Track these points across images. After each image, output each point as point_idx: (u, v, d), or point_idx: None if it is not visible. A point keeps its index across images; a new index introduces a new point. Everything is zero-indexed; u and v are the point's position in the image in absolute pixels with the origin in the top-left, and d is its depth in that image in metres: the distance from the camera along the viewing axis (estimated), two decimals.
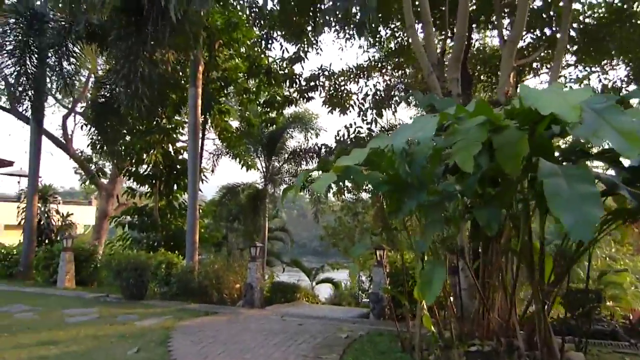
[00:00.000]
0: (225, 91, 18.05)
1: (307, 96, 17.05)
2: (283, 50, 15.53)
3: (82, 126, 14.90)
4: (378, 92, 14.65)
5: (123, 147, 17.02)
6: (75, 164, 27.07)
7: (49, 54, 13.52)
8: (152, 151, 15.85)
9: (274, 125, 19.05)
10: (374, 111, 13.86)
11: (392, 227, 19.47)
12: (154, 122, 16.90)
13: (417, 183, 5.54)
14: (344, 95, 16.76)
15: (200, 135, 17.96)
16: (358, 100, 14.78)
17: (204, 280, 11.46)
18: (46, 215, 20.24)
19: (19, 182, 29.86)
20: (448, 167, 5.70)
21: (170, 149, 17.82)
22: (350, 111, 16.70)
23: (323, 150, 12.75)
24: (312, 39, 15.61)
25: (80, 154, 23.74)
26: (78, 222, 26.42)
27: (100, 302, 11.23)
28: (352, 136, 13.50)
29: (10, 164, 28.03)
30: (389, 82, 14.73)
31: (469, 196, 5.85)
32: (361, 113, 13.88)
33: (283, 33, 15.37)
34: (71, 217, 21.07)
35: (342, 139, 13.42)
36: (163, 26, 10.79)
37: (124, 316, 9.54)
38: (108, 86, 13.92)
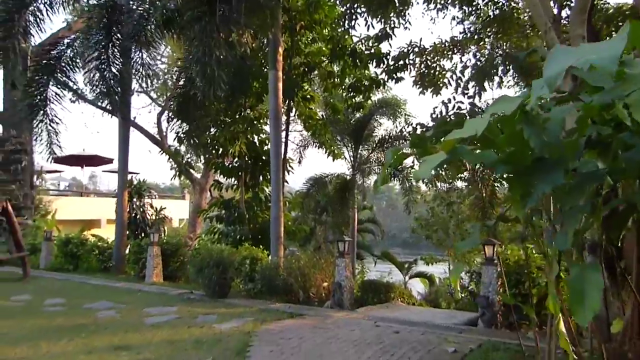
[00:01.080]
0: (309, 76, 16.98)
1: (395, 76, 15.56)
2: (368, 26, 14.15)
3: (167, 120, 14.43)
4: (479, 63, 12.83)
5: (208, 140, 16.51)
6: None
7: (131, 46, 13.13)
8: (236, 142, 15.11)
9: (361, 110, 17.71)
10: (475, 86, 12.09)
11: (496, 218, 17.48)
12: (238, 113, 16.22)
13: (554, 158, 3.99)
14: (437, 73, 15.10)
15: (284, 123, 17.14)
16: (455, 75, 13.05)
17: (288, 278, 10.43)
18: (141, 209, 20.41)
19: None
20: (590, 138, 4.11)
21: (255, 140, 17.08)
22: (443, 91, 15.05)
23: (419, 129, 11.28)
24: (400, 11, 14.13)
25: (173, 150, 23.83)
26: (171, 217, 26.86)
27: (183, 300, 10.58)
28: (451, 113, 11.84)
29: (110, 161, 29.11)
30: (490, 53, 12.85)
31: (624, 176, 4.22)
32: (461, 86, 12.14)
33: (368, 7, 14.02)
34: (164, 211, 21.05)
35: (439, 116, 11.81)
36: (237, 3, 9.84)
37: (203, 317, 8.73)
38: (185, 75, 13.28)
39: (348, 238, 10.37)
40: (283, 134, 16.48)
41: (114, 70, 13.34)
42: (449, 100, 12.08)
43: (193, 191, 28.93)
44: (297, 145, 23.68)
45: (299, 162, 22.68)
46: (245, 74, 14.46)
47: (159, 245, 13.66)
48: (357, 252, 23.83)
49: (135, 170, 31.98)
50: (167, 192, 46.77)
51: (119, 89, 13.51)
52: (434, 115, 12.16)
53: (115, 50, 13.26)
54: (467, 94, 12.17)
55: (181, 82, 13.80)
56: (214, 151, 16.86)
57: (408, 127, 20.49)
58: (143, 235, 19.05)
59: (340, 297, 9.80)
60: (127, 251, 15.63)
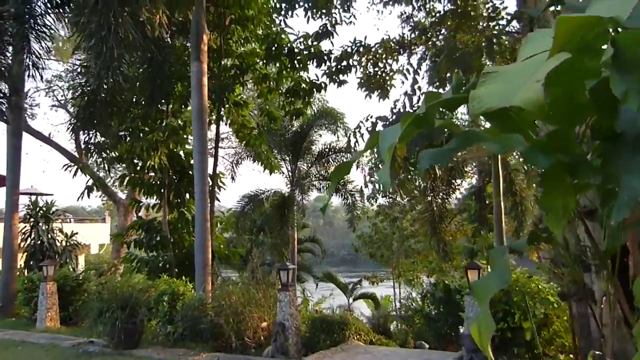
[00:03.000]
0: (242, 80, 14.68)
1: (338, 79, 13.62)
2: (308, 19, 12.11)
3: (67, 128, 11.62)
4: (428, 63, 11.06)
5: (123, 152, 13.78)
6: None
7: (19, 31, 10.30)
8: (155, 153, 12.48)
9: (300, 118, 15.60)
10: (436, 81, 10.24)
11: (442, 235, 15.74)
12: (159, 120, 13.64)
13: None
14: (384, 74, 13.29)
15: (214, 132, 14.72)
16: (410, 71, 11.20)
17: (217, 319, 7.99)
18: (48, 235, 17.21)
19: (29, 200, 27.08)
20: None
21: (181, 153, 14.50)
22: (391, 94, 13.24)
23: (379, 125, 9.29)
24: (343, 3, 12.28)
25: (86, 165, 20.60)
26: (89, 242, 23.44)
27: (76, 356, 7.85)
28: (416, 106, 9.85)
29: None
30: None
31: None
32: (419, 81, 10.25)
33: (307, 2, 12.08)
34: (77, 236, 17.89)
35: (401, 110, 9.79)
36: None
37: None
38: (89, 72, 10.61)
39: (291, 265, 8.08)
40: (212, 144, 14.09)
41: None
42: (413, 90, 10.13)
43: (118, 212, 25.65)
44: (230, 158, 21.30)
45: (232, 178, 20.26)
46: (164, 74, 11.98)
47: (55, 280, 10.76)
48: (297, 274, 21.57)
49: (50, 191, 28.20)
50: (95, 215, 42.51)
51: (4, 86, 10.63)
52: (394, 109, 10.17)
53: None
54: (434, 83, 10.27)
55: (85, 81, 11.06)
56: (130, 165, 14.13)
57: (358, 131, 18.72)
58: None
59: (283, 342, 7.47)
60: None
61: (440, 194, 15.17)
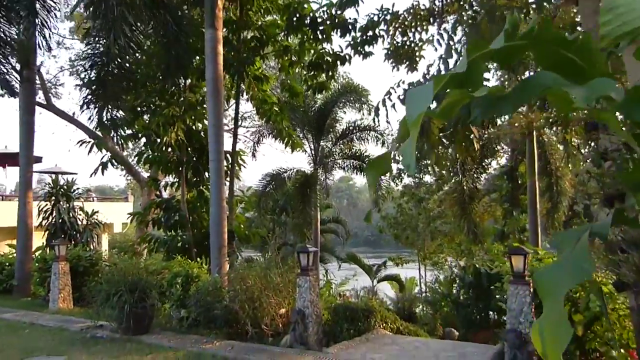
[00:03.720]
0: (262, 52, 13.84)
1: (363, 51, 12.69)
2: None
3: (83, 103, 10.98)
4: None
5: (140, 127, 13.19)
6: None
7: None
8: (172, 129, 11.81)
9: (323, 93, 14.71)
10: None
11: (472, 216, 14.76)
12: (175, 95, 12.95)
13: None
14: (413, 44, 12.29)
15: (233, 108, 14.00)
16: (445, 35, 10.19)
17: (232, 304, 7.32)
18: (70, 214, 16.86)
19: (51, 178, 26.94)
20: None
21: (200, 128, 13.81)
22: (419, 66, 12.24)
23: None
24: None
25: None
26: (111, 221, 23.14)
27: (83, 341, 7.32)
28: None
29: (38, 159, 25.04)
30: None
31: None
32: (465, 38, 9.25)
33: None
34: (98, 214, 17.50)
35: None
36: None
37: None
38: (101, 42, 9.90)
39: (312, 247, 7.33)
40: (232, 121, 13.38)
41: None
42: (448, 55, 9.11)
43: (141, 192, 25.31)
44: (251, 136, 20.62)
45: (253, 155, 19.55)
46: (180, 45, 11.22)
47: (68, 260, 10.26)
48: (320, 255, 20.92)
49: (76, 170, 28.03)
50: (121, 194, 42.52)
51: (12, 58, 10.05)
52: (428, 76, 9.21)
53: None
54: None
55: (93, 49, 10.36)
56: (148, 142, 13.53)
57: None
58: (73, 244, 15.61)
59: (303, 332, 6.76)
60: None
61: (471, 172, 14.18)
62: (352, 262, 22.36)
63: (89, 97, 10.22)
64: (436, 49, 10.23)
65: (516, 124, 15.99)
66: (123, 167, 25.17)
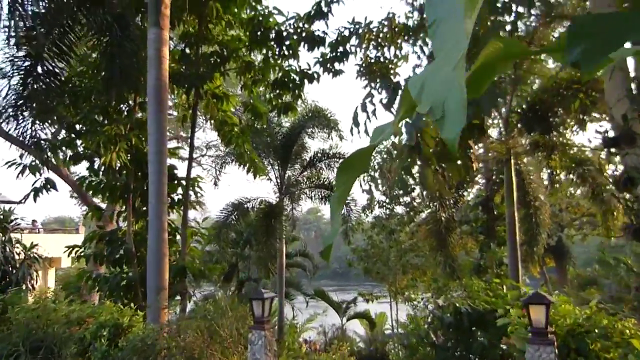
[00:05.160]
0: (222, 69, 12.36)
1: (333, 68, 11.40)
2: None
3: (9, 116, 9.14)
4: None
5: (81, 146, 11.42)
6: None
7: None
8: (113, 149, 10.06)
9: (289, 115, 13.27)
10: None
11: (450, 249, 13.35)
12: (122, 113, 11.29)
13: None
14: (388, 61, 11.06)
15: (189, 127, 12.38)
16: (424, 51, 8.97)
17: None
18: (4, 247, 14.69)
19: None
20: None
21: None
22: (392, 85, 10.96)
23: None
24: None
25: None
26: (58, 255, 20.81)
27: None
28: None
29: None
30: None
31: None
32: None
33: None
34: (38, 248, 15.37)
35: None
36: None
37: None
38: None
39: (268, 293, 5.69)
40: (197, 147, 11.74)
41: None
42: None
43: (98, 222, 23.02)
44: (213, 161, 18.97)
45: (215, 183, 17.85)
46: (126, 54, 9.62)
47: None
48: (285, 290, 19.13)
49: (14, 199, 25.47)
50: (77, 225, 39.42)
51: None
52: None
53: None
54: None
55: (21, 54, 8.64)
56: (89, 164, 11.74)
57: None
58: (6, 281, 13.46)
59: None
60: None
61: (449, 202, 12.86)
62: (320, 298, 20.60)
63: (10, 109, 8.44)
64: (416, 66, 8.98)
65: (490, 153, 14.92)
66: (76, 195, 22.97)
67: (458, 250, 18.52)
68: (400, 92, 7.51)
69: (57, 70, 8.58)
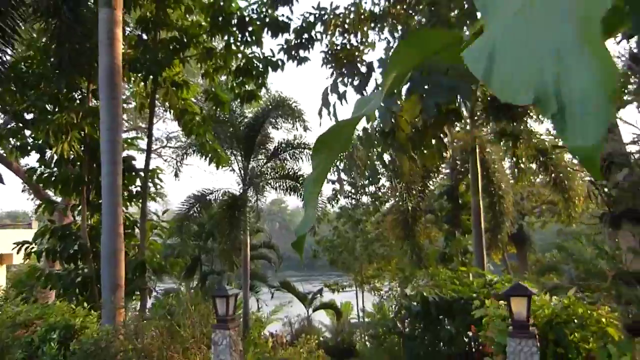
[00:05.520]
0: (181, 55, 11.78)
1: (298, 56, 11.03)
2: None
3: None
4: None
5: (28, 137, 10.69)
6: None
7: None
8: (64, 139, 9.41)
9: (253, 104, 12.84)
10: None
11: (416, 238, 13.26)
12: (74, 100, 10.60)
13: None
14: (354, 48, 10.76)
15: (147, 117, 11.78)
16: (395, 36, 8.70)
17: None
18: None
19: None
20: None
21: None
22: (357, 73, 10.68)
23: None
24: None
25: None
26: (8, 252, 19.72)
27: None
28: None
29: None
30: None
31: None
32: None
33: None
34: None
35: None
36: None
37: None
38: None
39: (232, 290, 5.33)
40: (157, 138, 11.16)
41: None
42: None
43: (50, 216, 21.91)
44: (173, 152, 18.34)
45: (176, 174, 17.23)
46: (75, 36, 8.97)
47: None
48: (250, 283, 18.73)
49: None
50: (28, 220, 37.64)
51: None
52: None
53: None
54: None
55: None
56: (39, 155, 11.00)
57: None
58: None
59: None
60: None
61: (415, 191, 12.74)
62: (285, 290, 20.30)
63: None
64: (386, 52, 8.70)
65: (455, 142, 14.90)
66: (29, 189, 21.79)
67: (422, 240, 18.58)
68: (377, 70, 7.22)
69: None
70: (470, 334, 11.89)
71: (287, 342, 11.24)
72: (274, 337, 11.29)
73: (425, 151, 4.47)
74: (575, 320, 4.51)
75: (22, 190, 24.47)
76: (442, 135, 4.44)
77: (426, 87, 3.80)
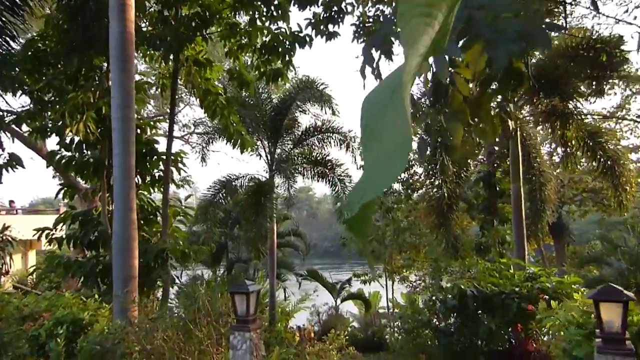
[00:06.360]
0: (204, 31, 11.05)
1: (327, 31, 10.17)
2: None
3: None
4: None
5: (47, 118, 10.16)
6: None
7: None
8: (79, 118, 8.81)
9: (280, 85, 12.02)
10: None
11: (452, 227, 12.32)
12: (89, 78, 10.00)
13: None
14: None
15: (170, 97, 11.13)
16: None
17: None
18: None
19: None
20: None
21: None
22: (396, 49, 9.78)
23: None
24: None
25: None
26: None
27: None
28: None
29: None
30: None
31: None
32: None
33: None
34: (9, 229, 14.27)
35: None
36: None
37: None
38: None
39: (253, 286, 4.58)
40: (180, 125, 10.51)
41: None
42: None
43: (81, 202, 21.74)
44: (200, 138, 17.79)
45: (203, 159, 16.63)
46: (90, 12, 8.32)
47: None
48: (277, 272, 18.11)
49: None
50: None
51: None
52: None
53: None
54: None
55: None
56: (59, 138, 10.47)
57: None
58: None
59: None
60: None
61: (453, 176, 11.77)
62: (313, 279, 19.62)
63: None
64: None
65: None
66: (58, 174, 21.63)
67: (456, 229, 17.58)
68: None
69: (9, 27, 7.27)
70: (511, 330, 10.93)
71: (315, 336, 10.56)
72: (302, 332, 10.59)
73: (485, 120, 3.59)
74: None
75: (53, 177, 24.38)
76: (506, 102, 3.60)
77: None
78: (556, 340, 4.34)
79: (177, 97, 15.96)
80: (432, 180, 12.03)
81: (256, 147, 15.76)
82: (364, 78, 3.01)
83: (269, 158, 16.42)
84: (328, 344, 8.56)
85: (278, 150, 16.58)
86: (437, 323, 11.66)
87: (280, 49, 11.06)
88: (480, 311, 10.91)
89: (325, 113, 15.89)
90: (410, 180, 19.12)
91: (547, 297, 9.27)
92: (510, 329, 10.76)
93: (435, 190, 12.23)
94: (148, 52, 11.65)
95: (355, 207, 0.66)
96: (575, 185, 18.90)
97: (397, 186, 18.37)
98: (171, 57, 10.85)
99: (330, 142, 16.45)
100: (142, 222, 11.44)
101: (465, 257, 12.96)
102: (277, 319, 12.53)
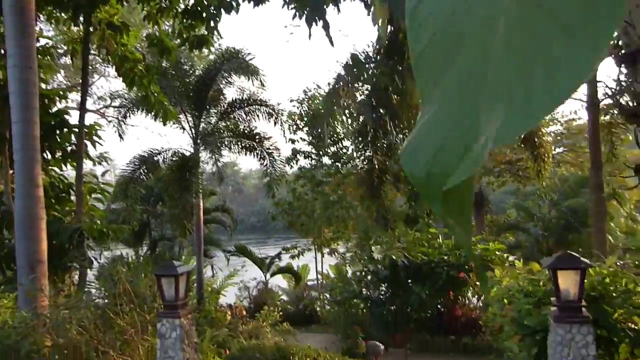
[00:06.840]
0: None
1: None
2: None
3: None
4: None
5: None
6: None
7: None
8: None
9: (204, 48, 11.22)
10: None
11: (383, 199, 12.37)
12: None
13: None
14: None
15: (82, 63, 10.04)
16: None
17: None
18: None
19: None
20: None
21: None
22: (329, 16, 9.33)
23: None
24: None
25: None
26: None
27: None
28: None
29: None
30: None
31: None
32: None
33: None
34: None
35: None
36: None
37: None
38: None
39: (183, 267, 4.10)
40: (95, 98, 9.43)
41: None
42: None
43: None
44: (115, 110, 16.50)
45: (119, 134, 15.41)
46: None
47: None
48: (204, 248, 17.44)
49: None
50: None
51: None
52: None
53: None
54: None
55: None
56: None
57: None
58: None
59: None
60: None
61: (382, 146, 11.72)
62: (241, 254, 19.15)
63: None
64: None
65: None
66: None
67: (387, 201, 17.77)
68: None
69: None
70: (442, 299, 11.21)
71: (247, 314, 10.23)
72: (233, 310, 10.21)
73: None
74: (614, 295, 3.62)
75: None
76: None
77: None
78: (505, 310, 4.27)
79: (90, 66, 14.63)
80: (363, 152, 11.91)
81: (179, 119, 14.85)
82: (310, 26, 2.62)
83: (193, 132, 15.56)
84: (262, 321, 8.29)
85: (203, 124, 15.74)
86: (368, 293, 11.75)
87: (204, 14, 10.29)
88: (410, 280, 11.09)
89: (253, 85, 15.26)
90: (339, 153, 19.06)
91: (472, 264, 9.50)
92: (442, 298, 11.05)
93: (365, 162, 12.14)
94: (54, 14, 10.40)
95: (466, 171, 0.40)
96: (495, 157, 19.73)
97: (326, 159, 18.22)
98: (81, 19, 9.77)
99: (257, 115, 15.85)
100: (53, 200, 10.43)
101: (394, 229, 13.09)
102: (205, 298, 12.02)
